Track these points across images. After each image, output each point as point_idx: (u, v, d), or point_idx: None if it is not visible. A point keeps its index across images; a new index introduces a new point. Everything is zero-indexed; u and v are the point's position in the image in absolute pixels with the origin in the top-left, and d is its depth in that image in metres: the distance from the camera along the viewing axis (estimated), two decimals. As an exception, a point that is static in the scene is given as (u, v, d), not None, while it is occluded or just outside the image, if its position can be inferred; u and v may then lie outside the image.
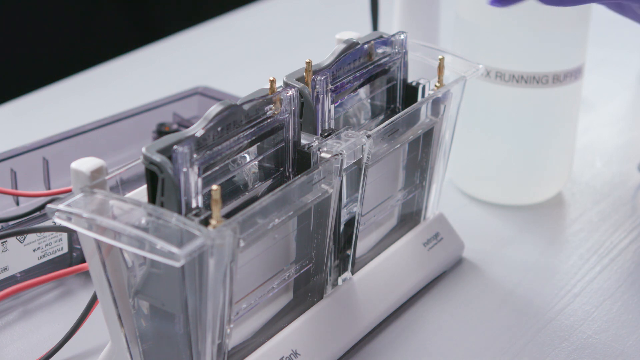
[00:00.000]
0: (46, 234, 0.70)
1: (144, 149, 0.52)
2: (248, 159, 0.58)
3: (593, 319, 0.69)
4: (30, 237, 0.69)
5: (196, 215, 0.52)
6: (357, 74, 0.65)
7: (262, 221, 0.54)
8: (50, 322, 0.68)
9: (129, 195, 0.55)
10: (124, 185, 0.56)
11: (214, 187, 0.50)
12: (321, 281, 0.64)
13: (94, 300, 0.63)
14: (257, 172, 0.60)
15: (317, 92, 0.61)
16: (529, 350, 0.66)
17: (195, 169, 0.53)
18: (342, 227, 0.64)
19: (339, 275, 0.66)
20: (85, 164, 0.53)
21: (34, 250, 0.70)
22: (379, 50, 0.67)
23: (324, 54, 0.64)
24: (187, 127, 0.58)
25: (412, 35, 0.82)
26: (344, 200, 0.63)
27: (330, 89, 0.62)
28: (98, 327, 0.61)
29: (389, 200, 0.70)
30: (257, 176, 0.60)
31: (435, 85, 0.69)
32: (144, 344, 0.56)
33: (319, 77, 0.61)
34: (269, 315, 0.61)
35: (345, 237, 0.65)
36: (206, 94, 0.89)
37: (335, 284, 0.66)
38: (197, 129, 0.53)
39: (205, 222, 0.52)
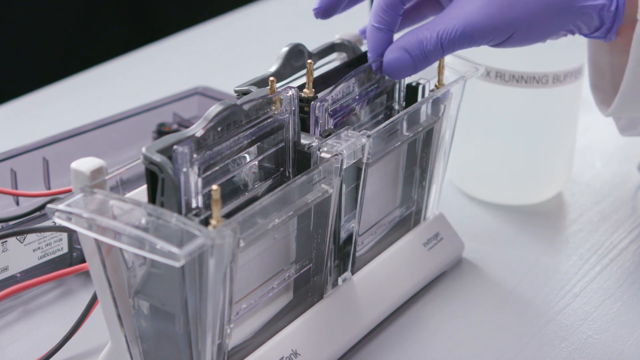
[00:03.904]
0: (46, 234, 0.70)
1: (144, 149, 0.52)
2: (248, 159, 0.58)
3: (593, 319, 0.69)
4: (30, 237, 0.69)
5: (196, 215, 0.52)
6: (357, 97, 0.64)
7: (262, 221, 0.54)
8: (50, 322, 0.68)
9: (129, 195, 0.55)
10: (124, 185, 0.56)
11: (214, 187, 0.50)
12: (321, 281, 0.63)
13: (94, 300, 0.63)
14: (257, 172, 0.60)
15: (317, 116, 0.60)
16: (529, 350, 0.66)
17: (195, 169, 0.53)
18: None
19: (339, 275, 0.66)
20: (85, 164, 0.53)
21: (34, 250, 0.70)
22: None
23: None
24: (187, 127, 0.58)
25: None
26: (344, 200, 0.63)
27: (329, 113, 0.61)
28: (98, 327, 0.61)
29: (389, 200, 0.70)
30: (257, 176, 0.60)
31: (435, 85, 0.69)
32: (144, 344, 0.56)
33: (318, 104, 0.60)
34: (269, 315, 0.61)
35: (346, 236, 0.65)
36: (206, 94, 0.89)
37: (335, 284, 0.66)
38: (197, 129, 0.53)
39: (205, 222, 0.52)
